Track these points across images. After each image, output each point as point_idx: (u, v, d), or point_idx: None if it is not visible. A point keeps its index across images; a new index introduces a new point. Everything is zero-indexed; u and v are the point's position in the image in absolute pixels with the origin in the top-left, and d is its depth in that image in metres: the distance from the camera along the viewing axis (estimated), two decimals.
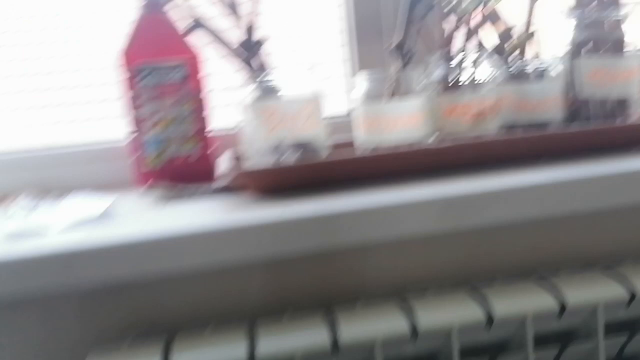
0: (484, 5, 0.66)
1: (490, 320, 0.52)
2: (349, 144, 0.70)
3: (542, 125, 0.69)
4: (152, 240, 0.50)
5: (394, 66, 0.71)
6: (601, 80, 0.68)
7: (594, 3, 0.70)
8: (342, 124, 0.80)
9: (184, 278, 0.58)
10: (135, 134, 0.69)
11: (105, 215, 0.58)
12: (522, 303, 0.53)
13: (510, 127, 0.71)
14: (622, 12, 0.68)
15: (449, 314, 0.52)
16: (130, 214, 0.59)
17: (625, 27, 0.69)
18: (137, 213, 0.59)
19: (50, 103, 0.79)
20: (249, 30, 0.64)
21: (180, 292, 0.58)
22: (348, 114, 0.83)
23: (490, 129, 0.67)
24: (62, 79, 0.78)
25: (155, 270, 0.50)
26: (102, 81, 0.78)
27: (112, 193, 0.70)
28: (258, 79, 0.64)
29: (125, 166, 0.73)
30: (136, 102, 0.68)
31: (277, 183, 0.60)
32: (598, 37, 0.69)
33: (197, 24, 0.63)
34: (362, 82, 0.68)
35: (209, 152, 0.72)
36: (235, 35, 0.65)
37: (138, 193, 0.70)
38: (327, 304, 0.60)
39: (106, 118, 0.78)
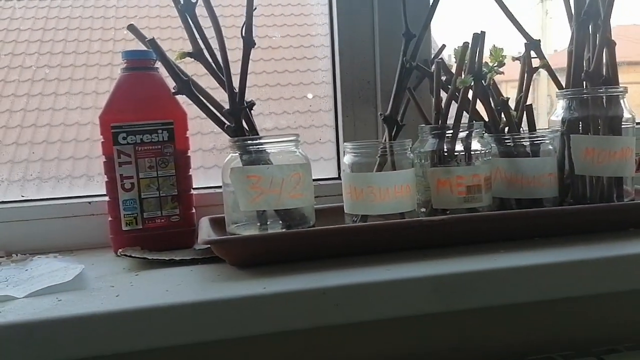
0: (479, 81, 0.64)
1: None
2: (338, 210, 0.67)
3: (535, 201, 0.67)
4: (114, 316, 0.46)
5: (385, 136, 0.70)
6: (595, 158, 0.67)
7: (589, 81, 0.69)
8: (332, 187, 0.77)
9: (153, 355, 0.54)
10: (113, 194, 0.66)
11: (75, 282, 0.54)
12: None
13: (503, 202, 0.69)
14: (619, 89, 0.67)
15: None
16: (101, 281, 0.56)
17: (621, 104, 0.68)
18: (110, 281, 0.56)
19: (30, 157, 0.76)
20: (237, 94, 0.62)
21: None
22: (340, 178, 0.81)
23: (483, 203, 0.65)
24: (43, 132, 0.76)
25: (123, 347, 0.47)
26: (85, 137, 0.75)
27: (85, 256, 0.67)
28: (245, 145, 0.62)
29: (103, 225, 0.70)
30: (116, 161, 0.65)
31: (255, 254, 0.57)
32: (594, 115, 0.68)
33: (184, 86, 0.62)
34: (351, 151, 0.66)
35: (191, 214, 0.69)
36: (224, 98, 0.63)
37: (111, 257, 0.66)
38: None
39: (85, 176, 0.75)
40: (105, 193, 0.67)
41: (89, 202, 0.72)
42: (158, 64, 0.67)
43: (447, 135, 0.65)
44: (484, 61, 0.64)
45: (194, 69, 0.65)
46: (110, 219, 0.67)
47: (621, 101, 0.68)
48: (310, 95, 0.85)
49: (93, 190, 0.76)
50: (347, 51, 0.79)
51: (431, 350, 0.62)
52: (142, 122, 0.65)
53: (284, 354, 0.58)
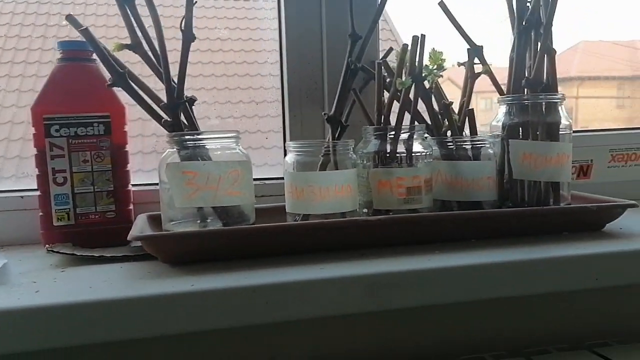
0: (419, 82, 0.65)
1: None
2: (280, 210, 0.67)
3: (475, 204, 0.68)
4: (29, 312, 0.44)
5: (328, 136, 0.70)
6: (533, 163, 0.68)
7: (529, 88, 0.70)
8: (274, 187, 0.76)
9: (64, 355, 0.52)
10: (44, 188, 0.63)
11: None
12: None
13: (444, 204, 0.70)
14: (557, 96, 0.69)
15: None
16: (23, 277, 0.53)
17: (560, 111, 0.69)
18: (33, 277, 0.53)
19: None
20: (176, 88, 0.61)
21: None
22: (282, 178, 0.80)
23: (423, 204, 0.65)
24: None
25: (35, 344, 0.45)
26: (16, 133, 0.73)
27: (14, 252, 0.64)
28: (182, 140, 0.60)
29: (33, 222, 0.67)
30: (48, 154, 0.63)
31: (187, 251, 0.55)
32: (533, 121, 0.69)
33: (120, 79, 0.60)
34: (294, 150, 0.65)
35: (128, 210, 0.67)
36: (163, 93, 0.62)
37: (41, 253, 0.64)
38: None
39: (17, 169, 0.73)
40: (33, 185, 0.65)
41: (21, 197, 0.70)
42: (94, 57, 0.65)
43: (389, 136, 0.65)
44: (425, 64, 0.65)
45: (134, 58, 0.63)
46: (41, 213, 0.64)
47: (559, 108, 0.69)
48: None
49: (27, 185, 0.73)
50: (295, 52, 0.79)
51: (363, 350, 0.61)
52: (76, 114, 0.63)
53: (211, 354, 0.57)
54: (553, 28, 0.70)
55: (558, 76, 0.71)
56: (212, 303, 0.48)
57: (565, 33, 0.68)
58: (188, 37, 0.60)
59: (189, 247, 0.55)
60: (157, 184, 0.73)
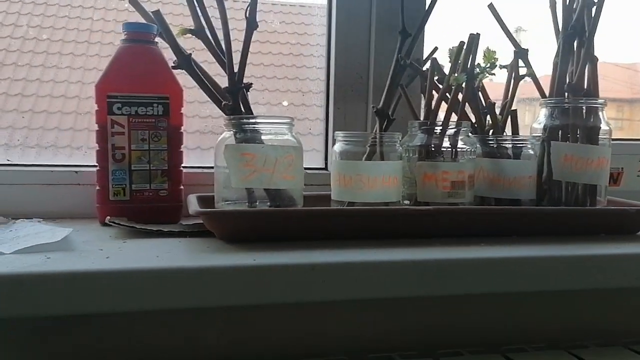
0: (471, 80, 0.67)
1: None
2: (324, 198, 0.69)
3: (514, 202, 0.70)
4: (105, 275, 0.46)
5: (376, 128, 0.72)
6: (573, 165, 0.70)
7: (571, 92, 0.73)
8: (321, 177, 0.79)
9: (134, 318, 0.54)
10: (103, 163, 0.66)
11: (62, 244, 0.54)
12: None
13: (483, 200, 0.72)
14: (599, 101, 0.71)
15: None
16: (88, 245, 0.56)
17: (600, 116, 0.71)
18: (98, 245, 0.56)
19: (18, 123, 0.76)
20: (236, 75, 0.63)
21: (132, 333, 0.54)
22: (327, 169, 0.83)
23: (465, 199, 0.67)
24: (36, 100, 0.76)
25: (108, 307, 0.47)
26: (79, 107, 0.75)
27: (69, 224, 0.66)
28: (240, 123, 0.63)
29: (88, 196, 0.69)
30: (109, 131, 0.65)
31: (246, 229, 0.58)
32: (574, 124, 0.71)
33: (184, 62, 0.62)
34: (342, 139, 0.67)
35: (179, 190, 0.69)
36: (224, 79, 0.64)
37: (97, 226, 0.66)
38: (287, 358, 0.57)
39: (77, 144, 0.75)
40: (93, 164, 0.67)
41: (76, 172, 0.72)
42: (157, 39, 0.68)
43: (435, 131, 0.67)
44: (477, 63, 0.67)
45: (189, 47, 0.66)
46: (98, 188, 0.67)
47: (600, 113, 0.72)
48: (285, 103, 0.87)
49: (78, 161, 0.76)
50: (343, 45, 0.81)
51: (410, 332, 0.63)
52: (138, 94, 0.66)
53: (271, 326, 0.59)
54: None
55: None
56: (273, 278, 0.50)
57: None
58: (251, 24, 0.63)
59: (247, 224, 0.58)
60: (205, 167, 0.76)
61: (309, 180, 0.80)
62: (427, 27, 0.76)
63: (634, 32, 1.02)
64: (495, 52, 0.67)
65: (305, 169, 0.80)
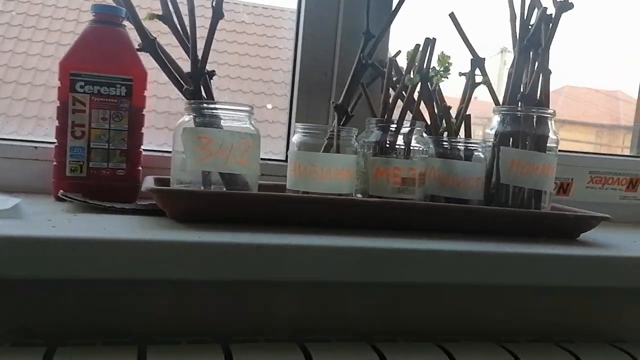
0: (427, 82, 0.70)
1: None
2: (281, 188, 0.71)
3: (463, 202, 0.72)
4: (49, 241, 0.47)
5: (334, 122, 0.74)
6: (519, 170, 0.73)
7: (524, 101, 0.76)
8: (278, 168, 0.81)
9: (74, 287, 0.55)
10: (62, 139, 0.67)
11: (11, 212, 0.55)
12: None
13: (433, 199, 0.74)
14: (549, 111, 0.74)
15: None
16: (38, 216, 0.57)
17: (549, 126, 0.74)
18: (48, 216, 0.57)
19: None
20: (199, 60, 0.65)
21: (69, 301, 0.55)
22: (286, 160, 0.84)
23: (415, 196, 0.69)
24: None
25: (47, 273, 0.48)
26: (43, 82, 0.76)
27: (24, 197, 0.67)
28: (200, 108, 0.64)
29: (47, 172, 0.70)
30: (70, 108, 0.66)
31: (196, 209, 0.59)
32: (524, 131, 0.74)
33: (149, 45, 0.64)
34: (301, 131, 0.69)
35: (137, 171, 0.71)
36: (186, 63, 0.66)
37: (51, 201, 0.67)
38: (223, 335, 0.58)
39: (37, 118, 0.76)
40: (53, 140, 0.68)
41: (35, 147, 0.73)
42: (125, 22, 0.69)
43: (391, 128, 0.70)
44: (432, 66, 0.70)
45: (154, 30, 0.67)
46: (55, 163, 0.68)
47: (549, 123, 0.75)
48: (269, 106, 0.90)
49: (41, 137, 0.77)
50: (310, 44, 0.84)
51: (349, 317, 0.65)
52: (102, 74, 0.67)
53: (211, 302, 0.60)
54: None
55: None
56: (216, 255, 0.52)
57: (551, 76, 0.74)
58: (217, 13, 0.65)
59: (197, 205, 0.59)
60: (164, 152, 0.77)
61: (268, 171, 0.82)
62: (399, 32, 0.79)
63: (616, 61, 1.06)
64: (449, 57, 0.69)
65: (264, 159, 0.83)
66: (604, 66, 1.08)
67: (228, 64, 0.86)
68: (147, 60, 0.68)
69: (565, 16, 0.75)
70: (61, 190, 0.65)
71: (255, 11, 0.93)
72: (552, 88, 0.73)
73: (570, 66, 1.02)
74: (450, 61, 0.69)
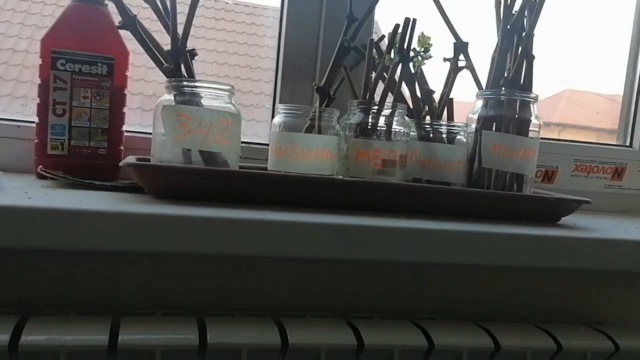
0: (407, 63, 0.70)
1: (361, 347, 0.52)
2: (262, 169, 0.71)
3: (444, 184, 0.73)
4: (23, 210, 0.48)
5: (315, 104, 0.74)
6: (501, 154, 0.73)
7: (507, 86, 0.76)
8: (260, 151, 0.81)
9: (49, 258, 0.55)
10: (43, 117, 0.67)
11: None
12: (392, 338, 0.54)
13: (414, 181, 0.74)
14: (531, 96, 0.74)
15: (320, 336, 0.52)
16: (16, 190, 0.57)
17: (531, 110, 0.75)
18: (25, 190, 0.57)
19: None
20: (180, 39, 0.65)
21: (44, 272, 0.55)
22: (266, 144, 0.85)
23: (396, 178, 0.70)
24: None
25: (21, 243, 0.48)
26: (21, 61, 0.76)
27: (5, 175, 0.67)
28: (180, 86, 0.64)
29: (25, 152, 0.70)
30: (51, 86, 0.66)
31: (173, 184, 0.59)
32: (506, 116, 0.74)
33: (129, 22, 0.64)
34: (283, 112, 0.70)
35: (119, 150, 0.71)
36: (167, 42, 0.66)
37: (32, 178, 0.67)
38: (197, 309, 0.58)
39: (15, 96, 0.76)
40: (34, 119, 0.69)
41: (18, 126, 0.73)
42: (107, 1, 0.69)
43: (372, 110, 0.70)
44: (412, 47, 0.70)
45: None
46: (36, 141, 0.68)
47: (531, 107, 0.75)
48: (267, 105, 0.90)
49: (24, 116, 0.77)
50: (294, 29, 0.84)
51: (324, 294, 0.66)
52: (83, 52, 0.67)
53: (186, 276, 0.60)
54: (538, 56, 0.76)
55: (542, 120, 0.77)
56: (191, 228, 0.52)
57: (552, 80, 0.74)
58: None
59: (175, 180, 0.59)
60: (147, 133, 0.77)
61: (252, 154, 0.82)
62: (387, 18, 0.78)
63: (617, 65, 1.06)
64: (430, 37, 0.70)
65: (247, 142, 0.83)
66: (604, 70, 1.09)
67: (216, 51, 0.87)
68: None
69: (566, 20, 0.75)
70: (41, 166, 0.65)
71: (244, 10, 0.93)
72: (552, 92, 0.73)
73: (570, 70, 1.03)
74: (430, 42, 0.69)
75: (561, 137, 1.15)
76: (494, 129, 0.75)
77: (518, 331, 0.63)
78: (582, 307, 0.74)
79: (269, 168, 0.69)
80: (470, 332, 0.60)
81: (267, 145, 0.84)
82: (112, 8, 0.69)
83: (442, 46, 0.77)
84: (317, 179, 0.65)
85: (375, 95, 0.72)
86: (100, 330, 0.48)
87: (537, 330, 0.63)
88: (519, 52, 0.76)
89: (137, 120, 0.79)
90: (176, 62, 0.65)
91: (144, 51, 0.66)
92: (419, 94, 0.76)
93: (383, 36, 0.80)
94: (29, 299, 0.55)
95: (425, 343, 0.55)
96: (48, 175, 0.63)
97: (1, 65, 0.81)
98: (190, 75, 0.67)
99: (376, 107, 0.70)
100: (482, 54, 0.79)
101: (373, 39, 0.70)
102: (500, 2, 0.79)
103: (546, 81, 0.76)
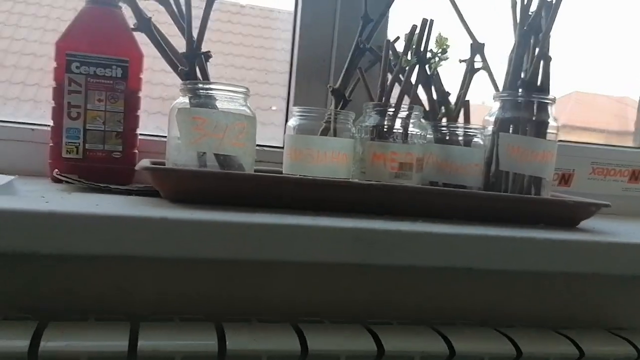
0: (424, 65, 0.69)
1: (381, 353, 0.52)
2: (277, 173, 0.70)
3: (461, 187, 0.72)
4: (41, 215, 0.47)
5: (331, 106, 0.74)
6: (519, 157, 0.72)
7: (524, 88, 0.75)
8: (276, 154, 0.80)
9: (67, 262, 0.55)
10: (58, 121, 0.67)
11: (5, 188, 0.54)
12: (412, 344, 0.53)
13: (430, 185, 0.74)
14: (549, 98, 0.73)
15: (339, 342, 0.51)
16: (32, 193, 0.56)
17: (549, 112, 0.74)
18: (41, 193, 0.56)
19: None
20: (195, 41, 0.64)
21: (61, 277, 0.55)
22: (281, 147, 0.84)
23: (412, 181, 0.69)
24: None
25: (38, 248, 0.47)
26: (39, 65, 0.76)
27: (20, 179, 0.67)
28: (195, 89, 0.64)
29: (40, 155, 0.70)
30: (65, 89, 0.66)
31: (189, 188, 0.59)
32: (524, 118, 0.73)
33: (144, 25, 0.64)
34: (298, 114, 0.69)
35: (133, 153, 0.70)
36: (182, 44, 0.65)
37: (47, 182, 0.67)
38: (215, 314, 0.57)
39: (34, 101, 0.76)
40: (49, 122, 0.68)
41: (32, 129, 0.73)
42: (122, 4, 0.69)
43: (388, 113, 0.69)
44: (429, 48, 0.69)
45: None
46: (51, 144, 0.68)
47: (549, 109, 0.74)
48: (274, 107, 0.89)
49: (38, 119, 0.77)
50: (308, 31, 0.83)
51: (341, 299, 0.65)
52: (98, 54, 0.67)
53: (204, 281, 0.60)
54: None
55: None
56: (208, 233, 0.51)
57: (561, 81, 0.73)
58: None
59: (191, 184, 0.58)
60: (162, 136, 0.77)
61: (267, 157, 0.81)
62: (402, 19, 0.78)
63: (626, 66, 1.05)
64: (447, 38, 0.69)
65: (262, 145, 0.83)
66: (613, 72, 1.08)
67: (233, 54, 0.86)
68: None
69: (574, 22, 0.74)
70: (56, 170, 0.65)
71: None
72: (561, 94, 0.72)
73: (579, 72, 1.02)
74: (447, 43, 0.68)
75: (569, 139, 1.14)
76: (511, 131, 0.74)
77: (539, 337, 0.62)
78: (601, 312, 0.73)
79: (284, 171, 0.69)
80: (491, 338, 0.59)
81: (282, 148, 0.84)
82: (125, 11, 0.68)
83: (457, 47, 0.77)
84: (333, 182, 0.64)
85: (390, 97, 0.71)
86: (119, 336, 0.47)
87: (558, 336, 0.62)
88: (536, 53, 0.76)
89: (157, 124, 0.79)
90: (191, 65, 0.64)
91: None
92: (434, 96, 0.75)
93: (398, 37, 0.79)
94: (46, 305, 0.55)
95: (446, 349, 0.54)
96: (63, 178, 0.63)
97: (9, 68, 0.81)
98: (205, 77, 0.67)
99: (392, 110, 0.69)
100: (498, 55, 0.78)
101: (389, 40, 0.70)
102: (516, 3, 0.78)
103: (555, 83, 0.75)
